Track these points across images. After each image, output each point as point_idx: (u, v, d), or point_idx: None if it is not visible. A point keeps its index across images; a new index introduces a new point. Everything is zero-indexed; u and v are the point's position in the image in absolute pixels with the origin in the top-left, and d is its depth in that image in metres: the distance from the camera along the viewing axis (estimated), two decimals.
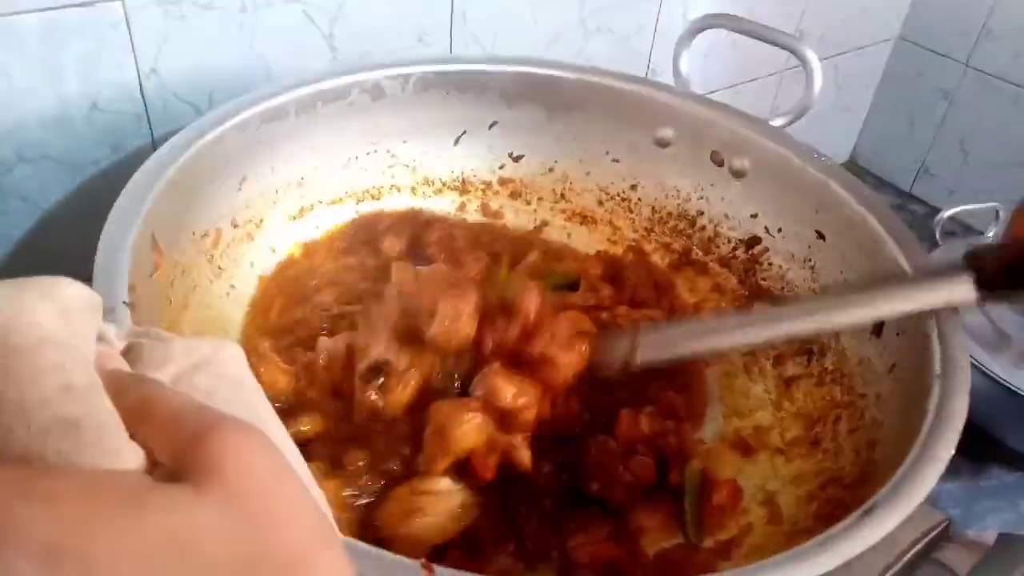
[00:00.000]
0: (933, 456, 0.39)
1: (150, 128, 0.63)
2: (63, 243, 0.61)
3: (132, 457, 0.22)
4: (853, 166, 1.35)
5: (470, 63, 0.68)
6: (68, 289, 0.24)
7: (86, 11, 0.55)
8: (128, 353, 0.26)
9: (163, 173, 0.50)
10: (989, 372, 0.71)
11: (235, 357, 0.27)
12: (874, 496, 0.37)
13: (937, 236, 0.88)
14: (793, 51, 0.64)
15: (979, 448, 0.77)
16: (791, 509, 0.50)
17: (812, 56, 0.63)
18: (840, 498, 0.47)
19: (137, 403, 0.23)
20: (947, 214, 0.84)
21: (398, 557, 0.32)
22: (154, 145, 0.63)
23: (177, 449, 0.21)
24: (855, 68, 1.20)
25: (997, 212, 0.88)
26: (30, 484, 0.19)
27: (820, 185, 0.60)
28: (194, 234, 0.55)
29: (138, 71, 0.60)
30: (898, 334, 0.52)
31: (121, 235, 0.45)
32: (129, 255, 0.45)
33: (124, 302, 0.42)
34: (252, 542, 0.20)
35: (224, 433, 0.21)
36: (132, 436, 0.22)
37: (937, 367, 0.45)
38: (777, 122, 0.65)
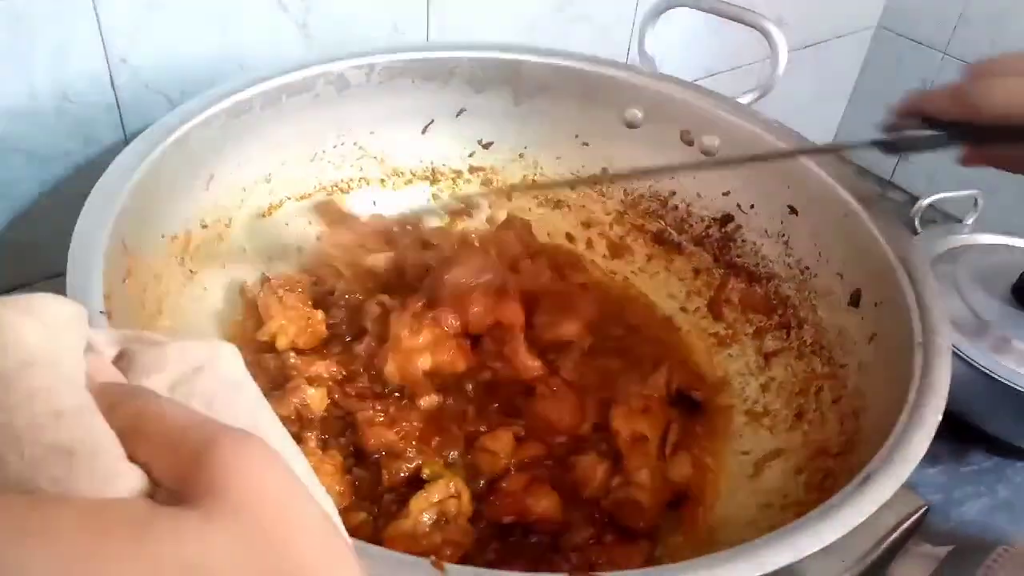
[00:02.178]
0: (922, 421, 0.40)
1: (121, 120, 0.61)
2: (36, 236, 0.61)
3: (131, 480, 0.21)
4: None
5: (435, 50, 0.67)
6: (51, 304, 0.23)
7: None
8: (120, 360, 0.25)
9: (130, 176, 0.49)
10: (968, 358, 0.72)
11: (231, 358, 0.26)
12: (867, 465, 0.38)
13: (916, 224, 0.89)
14: (757, 27, 0.65)
15: (959, 434, 0.79)
16: (780, 482, 0.51)
17: (776, 31, 0.64)
18: (829, 468, 0.48)
19: (132, 418, 0.22)
20: (926, 202, 0.85)
21: (407, 556, 0.31)
22: (126, 137, 0.62)
23: (178, 469, 0.20)
24: (835, 57, 1.21)
25: (975, 200, 0.90)
26: (28, 519, 0.18)
27: (789, 160, 0.61)
28: (163, 237, 0.54)
29: (108, 61, 0.59)
30: (876, 304, 0.53)
31: (92, 241, 0.44)
32: (102, 262, 0.43)
33: (100, 311, 0.40)
34: (265, 563, 0.19)
35: (225, 448, 0.20)
36: (130, 455, 0.21)
37: (918, 335, 0.45)
38: (744, 99, 0.66)
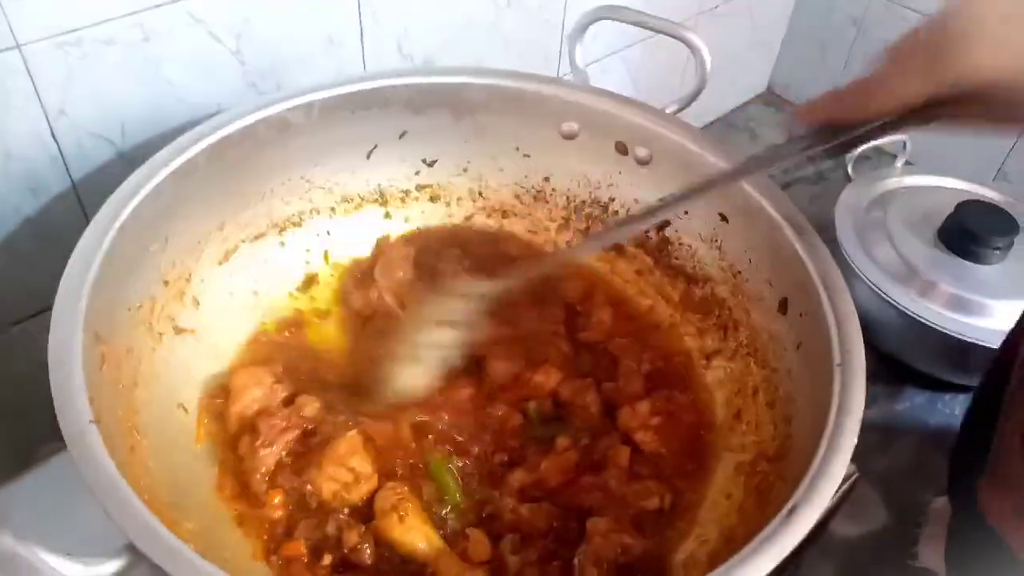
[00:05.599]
0: (839, 447, 0.45)
1: (66, 168, 0.63)
2: None
3: None
4: (770, 95, 1.40)
5: (370, 80, 0.68)
6: None
7: None
8: None
9: (89, 269, 0.50)
10: (897, 304, 0.78)
11: None
12: (792, 496, 0.43)
13: (850, 171, 0.94)
14: (682, 39, 0.67)
15: (893, 374, 0.85)
16: (723, 482, 0.57)
17: (699, 42, 0.66)
18: (766, 472, 0.54)
19: None
20: (856, 152, 0.89)
21: None
22: (73, 184, 0.64)
23: None
24: (767, 3, 1.24)
25: (904, 143, 0.95)
26: None
27: (717, 171, 0.64)
28: (129, 309, 0.56)
29: (46, 115, 0.60)
30: (801, 314, 0.57)
31: (68, 348, 0.46)
32: (81, 366, 0.45)
33: (90, 421, 0.43)
34: None
35: None
36: None
37: (837, 355, 0.50)
38: (671, 109, 0.69)
